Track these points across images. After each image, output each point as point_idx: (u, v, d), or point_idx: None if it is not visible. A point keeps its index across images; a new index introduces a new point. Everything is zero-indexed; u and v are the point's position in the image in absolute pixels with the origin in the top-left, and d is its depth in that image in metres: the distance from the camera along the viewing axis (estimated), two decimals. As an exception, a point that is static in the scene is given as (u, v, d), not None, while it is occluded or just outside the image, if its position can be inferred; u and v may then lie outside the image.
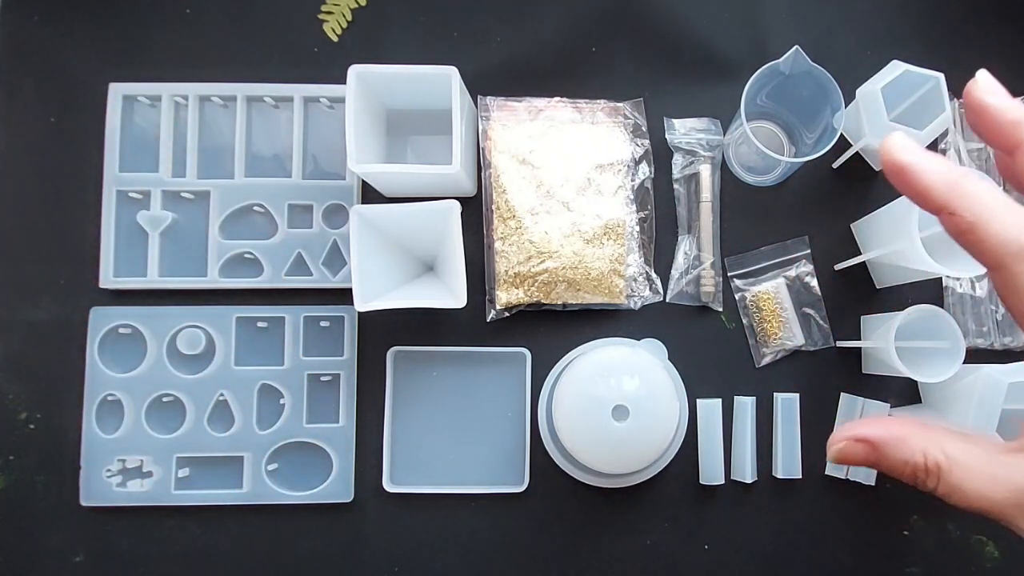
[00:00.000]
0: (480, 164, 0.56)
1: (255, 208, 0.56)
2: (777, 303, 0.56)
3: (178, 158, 0.56)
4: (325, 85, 0.56)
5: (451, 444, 0.56)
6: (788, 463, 0.55)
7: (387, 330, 0.56)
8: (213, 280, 0.55)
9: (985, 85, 0.27)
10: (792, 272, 0.57)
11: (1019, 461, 0.24)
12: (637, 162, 0.57)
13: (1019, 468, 0.23)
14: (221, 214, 0.55)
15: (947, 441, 0.25)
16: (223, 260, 0.55)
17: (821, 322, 0.56)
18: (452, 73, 0.49)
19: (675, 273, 0.57)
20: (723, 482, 0.54)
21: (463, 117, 0.50)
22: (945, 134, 0.57)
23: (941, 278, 0.57)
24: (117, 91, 0.55)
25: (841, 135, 0.50)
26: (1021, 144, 0.25)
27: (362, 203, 0.56)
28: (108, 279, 0.55)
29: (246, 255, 0.56)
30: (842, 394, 0.56)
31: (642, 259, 0.56)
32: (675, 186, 0.57)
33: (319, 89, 0.56)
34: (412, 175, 0.50)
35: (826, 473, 0.55)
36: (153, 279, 0.55)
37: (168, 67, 0.57)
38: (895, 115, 0.50)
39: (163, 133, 0.55)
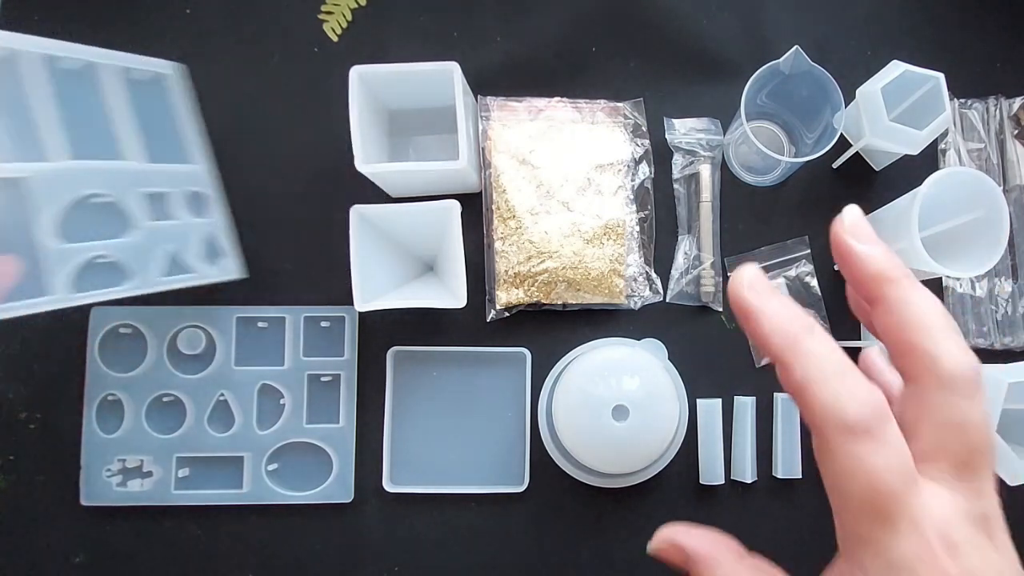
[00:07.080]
0: (481, 164, 0.56)
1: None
2: (777, 303, 0.56)
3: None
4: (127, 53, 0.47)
5: (451, 444, 0.56)
6: (788, 463, 0.55)
7: (387, 330, 0.56)
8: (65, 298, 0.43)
9: (851, 226, 0.25)
10: (792, 272, 0.57)
11: None
12: (637, 162, 0.57)
13: None
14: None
15: None
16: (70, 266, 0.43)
17: (821, 322, 0.56)
18: (454, 68, 0.49)
19: (675, 273, 0.57)
20: (723, 482, 0.54)
21: (467, 112, 0.50)
22: (945, 134, 0.57)
23: (941, 278, 0.57)
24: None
25: (841, 135, 0.50)
26: (881, 300, 0.24)
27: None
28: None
29: (98, 260, 0.45)
30: (842, 394, 0.56)
31: (642, 259, 0.56)
32: (675, 186, 0.57)
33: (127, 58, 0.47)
34: (419, 172, 0.50)
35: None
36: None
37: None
38: (895, 115, 0.50)
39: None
